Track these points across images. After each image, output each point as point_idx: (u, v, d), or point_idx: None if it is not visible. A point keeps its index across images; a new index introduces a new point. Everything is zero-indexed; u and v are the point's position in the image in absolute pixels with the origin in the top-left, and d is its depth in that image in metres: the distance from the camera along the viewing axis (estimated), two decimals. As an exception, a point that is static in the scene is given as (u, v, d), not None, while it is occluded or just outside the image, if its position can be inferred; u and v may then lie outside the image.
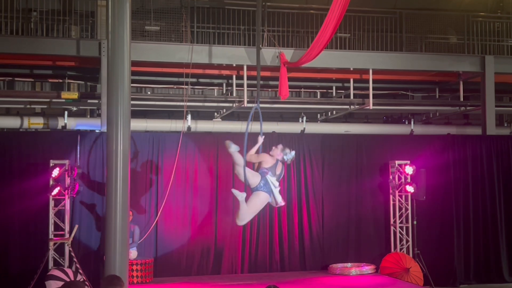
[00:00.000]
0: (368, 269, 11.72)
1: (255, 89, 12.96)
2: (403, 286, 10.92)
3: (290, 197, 12.07)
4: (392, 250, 12.23)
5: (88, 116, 14.21)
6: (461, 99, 14.49)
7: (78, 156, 11.03)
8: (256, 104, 9.02)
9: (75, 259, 10.31)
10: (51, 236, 10.68)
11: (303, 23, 13.71)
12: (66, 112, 13.09)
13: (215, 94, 14.78)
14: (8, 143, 11.14)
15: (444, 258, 12.45)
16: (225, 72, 13.70)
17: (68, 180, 10.73)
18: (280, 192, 8.55)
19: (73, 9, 13.03)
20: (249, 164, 8.72)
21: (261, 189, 8.39)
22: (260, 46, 11.05)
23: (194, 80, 13.49)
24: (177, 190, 11.61)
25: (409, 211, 12.28)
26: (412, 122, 14.90)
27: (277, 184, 8.48)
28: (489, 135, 13.28)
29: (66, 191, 10.68)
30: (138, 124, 12.92)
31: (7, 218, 10.84)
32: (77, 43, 12.13)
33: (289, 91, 12.43)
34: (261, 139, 8.85)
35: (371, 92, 13.26)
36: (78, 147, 11.06)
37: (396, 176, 12.27)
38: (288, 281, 10.87)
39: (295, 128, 13.86)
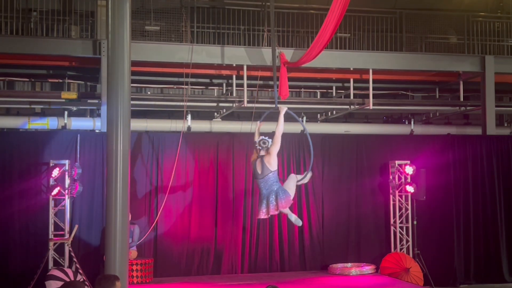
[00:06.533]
0: (368, 269, 11.71)
1: (255, 89, 13.01)
2: (403, 286, 10.92)
3: (290, 197, 12.07)
4: (392, 250, 12.23)
5: (88, 116, 14.21)
6: (461, 99, 14.48)
7: (78, 156, 11.02)
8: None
9: (75, 259, 10.30)
10: (51, 236, 10.67)
11: (303, 23, 13.70)
12: (66, 112, 13.09)
13: (215, 94, 14.77)
14: (8, 143, 11.11)
15: (444, 258, 12.44)
16: (225, 72, 13.70)
17: (68, 180, 10.72)
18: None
19: (73, 9, 13.03)
20: None
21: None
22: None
23: (194, 80, 13.48)
24: (177, 190, 11.60)
25: (409, 211, 12.27)
26: (412, 122, 14.90)
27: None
28: (489, 135, 13.27)
29: (66, 191, 10.68)
30: (138, 124, 12.93)
31: (7, 218, 10.82)
32: (77, 43, 12.13)
33: (289, 91, 12.42)
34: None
35: (371, 92, 13.26)
36: (78, 147, 11.04)
37: (396, 176, 12.27)
38: (288, 281, 10.87)
39: (295, 128, 13.84)
